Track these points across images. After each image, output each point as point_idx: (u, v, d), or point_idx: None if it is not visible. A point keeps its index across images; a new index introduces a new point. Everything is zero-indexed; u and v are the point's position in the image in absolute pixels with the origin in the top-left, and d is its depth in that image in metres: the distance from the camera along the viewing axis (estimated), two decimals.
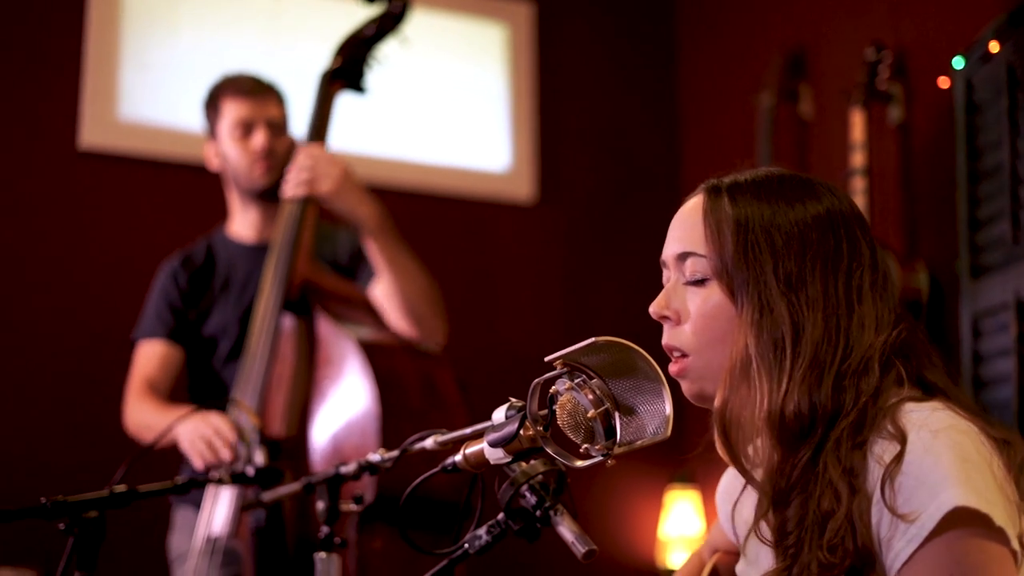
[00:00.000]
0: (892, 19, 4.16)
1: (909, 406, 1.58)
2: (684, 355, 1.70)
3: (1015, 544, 1.50)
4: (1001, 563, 1.48)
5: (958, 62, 3.45)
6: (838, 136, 4.11)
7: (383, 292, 3.43)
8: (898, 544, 1.49)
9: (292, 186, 3.38)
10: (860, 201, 3.81)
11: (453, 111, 5.10)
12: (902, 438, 1.52)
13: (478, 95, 5.16)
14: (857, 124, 3.96)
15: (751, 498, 1.66)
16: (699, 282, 1.69)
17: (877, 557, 1.51)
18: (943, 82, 3.66)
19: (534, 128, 5.18)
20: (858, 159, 3.90)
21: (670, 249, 1.74)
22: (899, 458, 1.51)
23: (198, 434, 3.08)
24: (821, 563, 1.51)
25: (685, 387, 1.70)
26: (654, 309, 1.73)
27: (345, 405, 3.23)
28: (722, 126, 5.11)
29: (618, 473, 4.80)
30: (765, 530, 1.61)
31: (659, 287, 1.77)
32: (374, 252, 3.38)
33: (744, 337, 1.62)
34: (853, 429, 1.56)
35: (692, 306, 1.69)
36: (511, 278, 5.08)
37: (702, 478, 4.77)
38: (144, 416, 3.37)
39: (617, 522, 4.95)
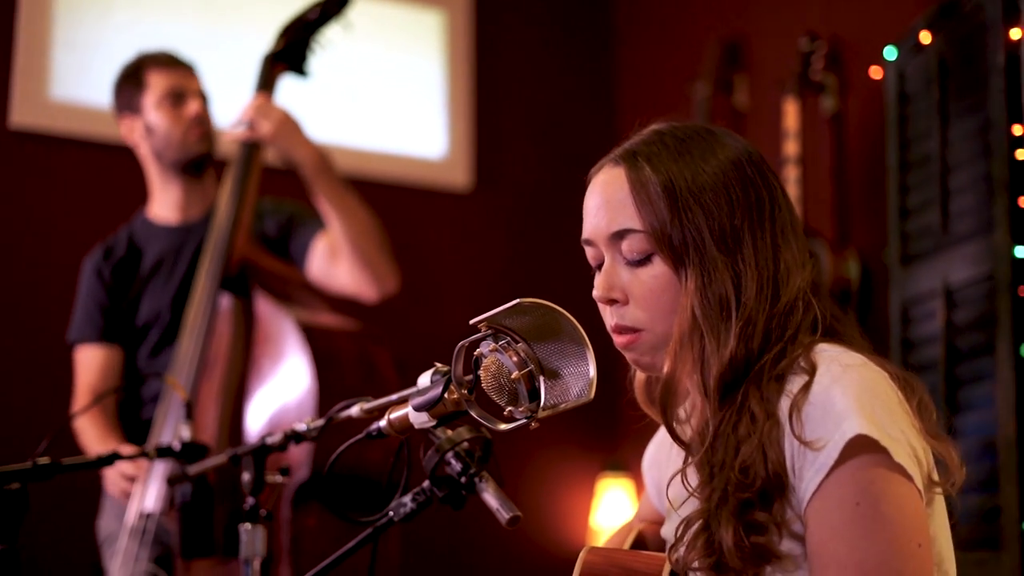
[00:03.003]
0: (826, 10, 4.19)
1: (823, 346, 1.61)
2: (636, 331, 1.68)
3: (918, 482, 1.53)
4: (906, 493, 1.51)
5: (890, 53, 3.49)
6: (772, 126, 4.13)
7: (332, 238, 3.45)
8: (807, 474, 1.52)
9: (233, 132, 3.43)
10: (793, 190, 3.84)
11: (389, 97, 5.08)
12: (812, 370, 1.56)
13: (415, 81, 5.14)
14: (791, 114, 3.99)
15: (680, 458, 1.66)
16: (642, 260, 1.66)
17: (787, 483, 1.54)
18: (875, 72, 3.70)
19: (471, 115, 5.17)
20: (791, 148, 3.93)
21: (601, 230, 1.70)
22: (806, 388, 1.54)
23: (115, 482, 3.26)
24: (735, 483, 1.53)
25: (633, 357, 1.69)
26: (600, 294, 1.69)
27: (282, 383, 3.22)
28: (658, 114, 5.10)
29: (549, 461, 4.85)
30: (691, 476, 1.62)
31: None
32: (319, 196, 3.42)
33: (689, 304, 1.61)
34: (773, 362, 1.59)
35: (638, 284, 1.66)
36: (447, 265, 5.07)
37: (634, 466, 4.77)
38: (87, 443, 3.36)
39: (548, 511, 4.95)
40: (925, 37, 3.33)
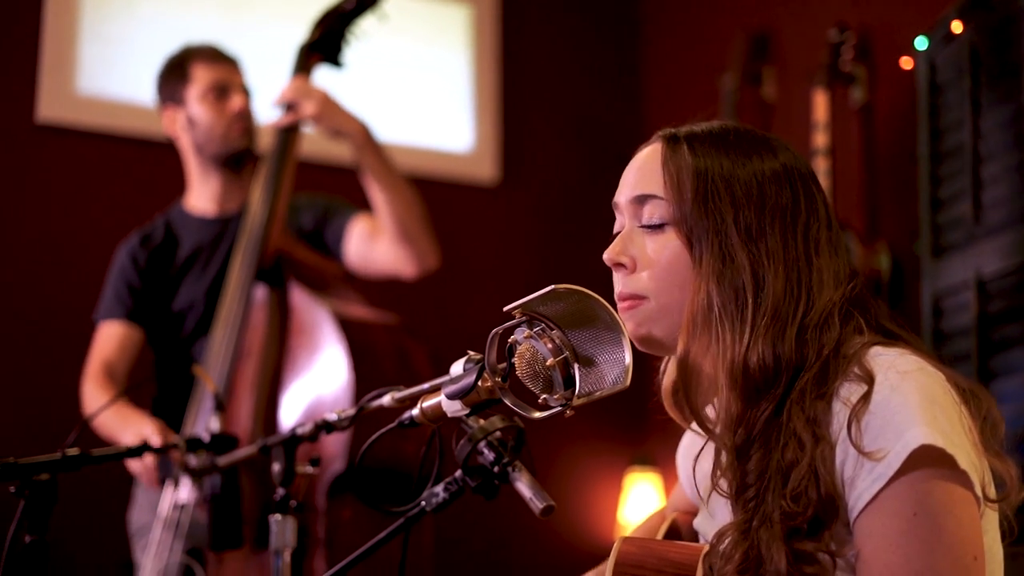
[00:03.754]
0: (855, 0, 4.16)
1: (876, 349, 1.58)
2: (639, 297, 1.67)
3: (978, 489, 1.51)
4: (964, 504, 1.48)
5: (921, 43, 3.46)
6: (801, 117, 4.11)
7: (376, 213, 3.48)
8: (862, 483, 1.49)
9: (280, 118, 3.45)
10: (823, 182, 3.79)
11: (416, 91, 5.07)
12: (870, 379, 1.52)
13: (442, 75, 5.13)
14: (820, 105, 3.96)
15: (711, 453, 1.64)
16: (657, 227, 1.67)
17: (840, 503, 1.51)
18: (906, 63, 3.67)
19: (497, 109, 5.16)
20: (821, 140, 3.90)
21: (625, 193, 1.72)
22: (866, 398, 1.51)
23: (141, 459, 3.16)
24: (784, 512, 1.50)
25: (631, 328, 1.67)
26: (609, 255, 1.70)
27: (318, 374, 3.23)
28: (686, 108, 5.04)
29: (577, 456, 4.84)
30: (723, 482, 1.59)
31: None
32: (365, 168, 3.45)
33: (705, 286, 1.60)
34: (816, 380, 1.56)
35: (649, 251, 1.67)
36: (474, 259, 5.06)
37: (662, 461, 4.76)
38: (102, 418, 3.29)
39: (576, 506, 4.94)
40: (956, 27, 3.30)
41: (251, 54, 3.69)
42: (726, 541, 1.56)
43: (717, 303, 1.59)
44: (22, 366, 4.19)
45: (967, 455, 1.49)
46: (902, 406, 1.49)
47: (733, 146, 1.68)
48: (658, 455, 4.80)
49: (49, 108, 4.35)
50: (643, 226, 1.69)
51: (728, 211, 1.62)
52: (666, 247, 1.65)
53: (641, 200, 1.69)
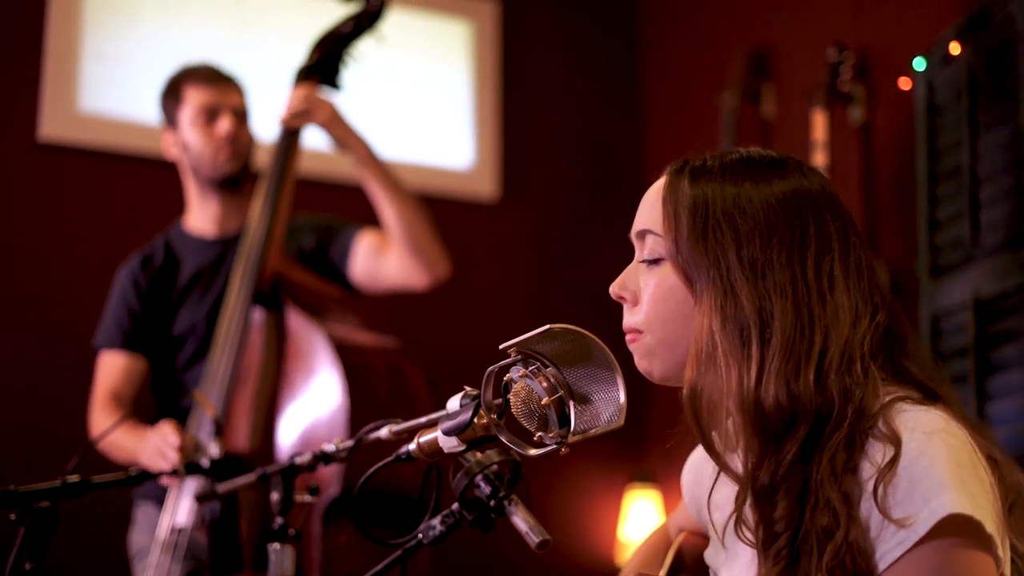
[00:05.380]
0: (854, 20, 4.17)
1: (902, 406, 1.54)
2: (638, 331, 1.67)
3: (1000, 551, 1.49)
4: (985, 570, 1.47)
5: (919, 63, 3.47)
6: (800, 136, 4.11)
7: (383, 225, 3.49)
8: (885, 545, 1.47)
9: (288, 118, 3.47)
10: None
11: (417, 108, 5.08)
12: (896, 440, 1.49)
13: (442, 92, 5.14)
14: (819, 124, 3.97)
15: (727, 485, 1.62)
16: (655, 262, 1.66)
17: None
18: (904, 83, 3.68)
19: (498, 126, 5.17)
20: (819, 159, 3.91)
21: (634, 228, 1.71)
22: (894, 461, 1.47)
23: (153, 449, 3.06)
24: None
25: (636, 361, 1.68)
26: (612, 289, 1.71)
27: (314, 398, 3.23)
28: (685, 125, 5.12)
29: (577, 472, 4.84)
30: (747, 530, 1.57)
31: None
32: (370, 181, 3.47)
33: (708, 322, 1.57)
34: (846, 447, 1.51)
35: (647, 286, 1.66)
36: (474, 277, 5.06)
37: (662, 477, 4.77)
38: (117, 442, 3.29)
39: (576, 522, 4.94)
40: (955, 48, 3.31)
41: (252, 72, 3.70)
42: None
43: (721, 339, 1.56)
44: (22, 387, 4.19)
45: (991, 517, 1.47)
46: (929, 470, 1.46)
47: (740, 174, 1.64)
48: (658, 472, 4.80)
49: (51, 127, 4.36)
50: (643, 260, 1.69)
51: (730, 245, 1.58)
52: (662, 282, 1.65)
53: (641, 235, 1.69)
